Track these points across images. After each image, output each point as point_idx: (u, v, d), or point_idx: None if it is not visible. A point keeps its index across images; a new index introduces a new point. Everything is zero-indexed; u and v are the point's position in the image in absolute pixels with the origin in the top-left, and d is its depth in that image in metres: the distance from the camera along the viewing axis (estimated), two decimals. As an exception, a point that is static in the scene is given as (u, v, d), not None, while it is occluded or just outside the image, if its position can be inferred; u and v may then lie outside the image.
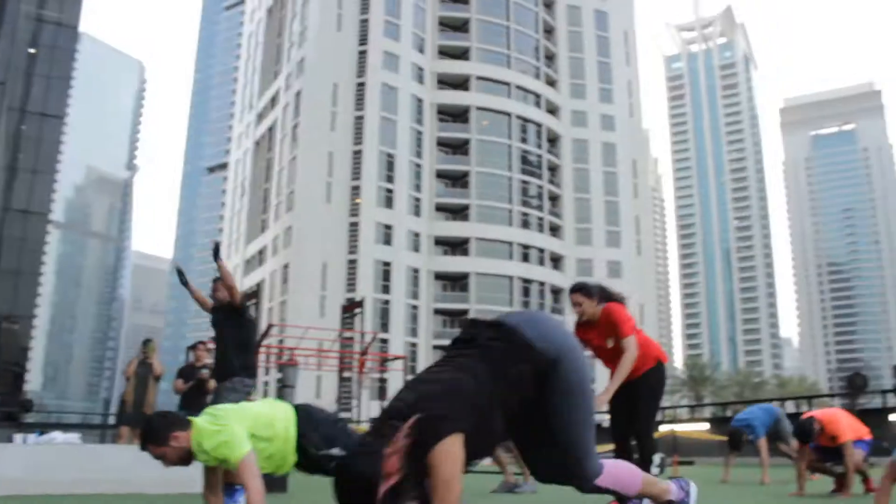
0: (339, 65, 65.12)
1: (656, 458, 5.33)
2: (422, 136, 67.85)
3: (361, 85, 65.39)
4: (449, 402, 2.35)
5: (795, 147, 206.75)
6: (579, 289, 5.20)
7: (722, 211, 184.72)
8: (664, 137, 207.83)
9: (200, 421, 3.79)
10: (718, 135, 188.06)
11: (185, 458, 3.73)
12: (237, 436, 3.71)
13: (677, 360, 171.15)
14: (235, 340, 6.50)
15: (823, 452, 6.79)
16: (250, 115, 79.94)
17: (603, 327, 5.19)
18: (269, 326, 26.69)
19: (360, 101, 65.08)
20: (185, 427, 3.72)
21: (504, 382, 2.50)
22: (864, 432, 6.89)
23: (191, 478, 4.78)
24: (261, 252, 70.37)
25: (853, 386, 12.66)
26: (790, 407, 23.54)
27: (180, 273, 6.89)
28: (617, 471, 2.84)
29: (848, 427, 6.63)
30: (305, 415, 4.10)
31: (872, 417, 13.45)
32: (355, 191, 63.26)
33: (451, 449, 2.26)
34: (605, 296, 5.24)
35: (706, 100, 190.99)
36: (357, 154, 63.91)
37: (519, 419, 2.61)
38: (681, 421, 21.06)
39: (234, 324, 6.54)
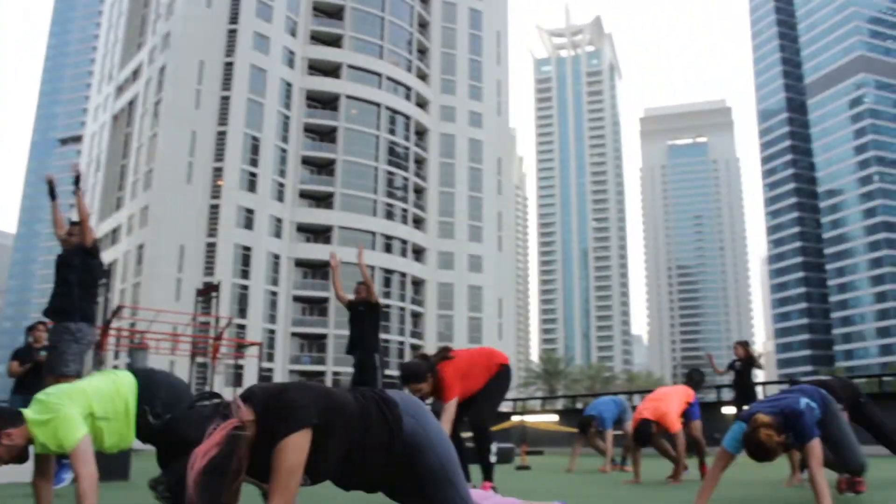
0: (207, 42, 63.20)
1: (493, 447, 5.66)
2: (289, 120, 66.80)
3: (229, 65, 63.68)
4: (313, 397, 2.44)
5: (652, 155, 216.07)
6: (410, 380, 5.19)
7: (581, 212, 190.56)
8: (530, 137, 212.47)
9: (30, 413, 3.51)
10: (582, 138, 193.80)
11: (21, 454, 3.46)
12: (69, 421, 3.48)
13: (533, 354, 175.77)
14: (80, 280, 6.19)
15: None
16: (109, 87, 76.39)
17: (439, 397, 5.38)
18: (119, 308, 25.74)
19: (227, 80, 63.37)
20: (17, 423, 3.43)
21: (374, 433, 2.56)
22: (690, 397, 7.62)
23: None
24: (114, 231, 67.47)
25: (691, 381, 13.46)
26: (637, 400, 24.76)
27: (51, 185, 6.55)
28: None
29: (675, 414, 7.28)
30: (146, 381, 3.89)
31: (708, 411, 14.51)
32: (217, 172, 61.59)
33: (300, 441, 2.34)
34: (434, 360, 5.34)
35: (572, 104, 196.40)
36: (221, 135, 62.25)
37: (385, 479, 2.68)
38: (532, 412, 21.75)
39: (82, 264, 6.23)
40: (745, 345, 10.74)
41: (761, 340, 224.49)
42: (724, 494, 5.15)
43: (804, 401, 4.46)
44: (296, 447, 2.33)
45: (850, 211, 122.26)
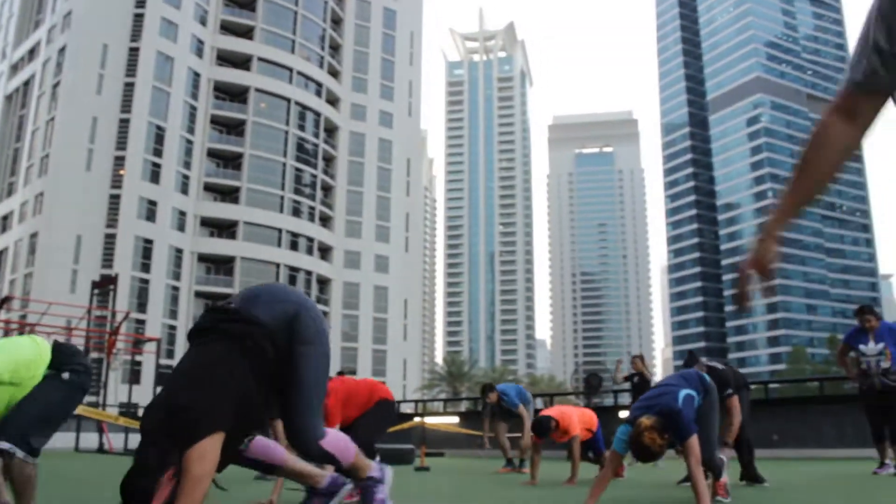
0: (112, 24, 61.05)
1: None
2: (196, 111, 65.14)
3: (135, 50, 61.64)
4: (208, 398, 2.41)
5: (560, 162, 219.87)
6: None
7: (489, 216, 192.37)
8: (440, 140, 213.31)
9: None
10: (491, 143, 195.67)
11: None
12: None
13: (438, 356, 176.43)
14: None
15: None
16: (2, 66, 72.98)
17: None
18: (7, 298, 24.50)
19: (131, 66, 61.33)
20: None
21: (254, 361, 2.62)
22: (593, 425, 7.72)
23: None
24: (5, 218, 64.45)
25: (589, 386, 13.88)
26: (538, 403, 25.08)
27: None
28: (337, 439, 3.04)
29: (578, 423, 7.42)
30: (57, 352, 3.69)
31: (605, 414, 14.76)
32: (119, 161, 59.54)
33: (206, 450, 2.32)
34: None
35: (483, 108, 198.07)
36: (124, 123, 60.19)
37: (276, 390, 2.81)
38: (435, 414, 21.79)
39: None
40: (641, 359, 11.20)
41: (660, 347, 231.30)
42: (613, 495, 5.22)
43: (683, 393, 4.60)
44: (202, 457, 2.33)
45: (746, 224, 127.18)
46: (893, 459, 7.39)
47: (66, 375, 3.59)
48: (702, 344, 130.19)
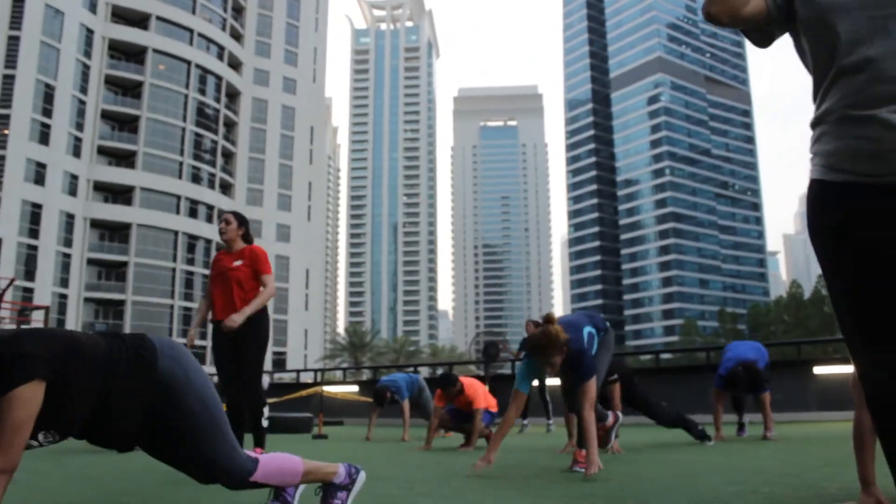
0: (-4, -24, 57.63)
1: (265, 410, 5.49)
2: (89, 70, 62.26)
3: (19, 1, 58.13)
4: (50, 345, 2.20)
5: (464, 135, 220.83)
6: (234, 213, 5.66)
7: (393, 187, 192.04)
8: (345, 108, 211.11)
9: None
10: (396, 113, 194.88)
11: None
12: None
13: (340, 326, 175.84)
14: None
15: (453, 415, 7.63)
16: None
17: (238, 257, 5.49)
18: None
19: (16, 18, 57.71)
20: None
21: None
22: (493, 404, 7.81)
23: None
24: None
25: (487, 355, 13.93)
26: (439, 371, 25.24)
27: None
28: (274, 463, 2.64)
29: (482, 397, 7.53)
30: None
31: (501, 382, 14.97)
32: (3, 120, 56.30)
33: (29, 394, 2.11)
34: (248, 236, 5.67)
35: (388, 78, 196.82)
36: (8, 79, 56.85)
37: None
38: (334, 383, 21.66)
39: None
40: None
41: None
42: (502, 461, 5.24)
43: (587, 330, 4.70)
44: (23, 401, 2.10)
45: (643, 200, 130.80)
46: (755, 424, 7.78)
47: None
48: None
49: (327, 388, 18.19)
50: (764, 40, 1.95)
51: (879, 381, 1.77)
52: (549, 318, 4.47)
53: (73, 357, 2.25)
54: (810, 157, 1.92)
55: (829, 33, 1.78)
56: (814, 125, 1.89)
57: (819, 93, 1.86)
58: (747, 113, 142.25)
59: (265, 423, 5.49)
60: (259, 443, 5.41)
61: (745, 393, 7.62)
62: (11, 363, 2.12)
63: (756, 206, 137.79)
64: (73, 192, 59.90)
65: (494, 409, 7.84)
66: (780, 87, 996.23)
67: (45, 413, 2.17)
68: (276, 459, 2.65)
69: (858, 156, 1.76)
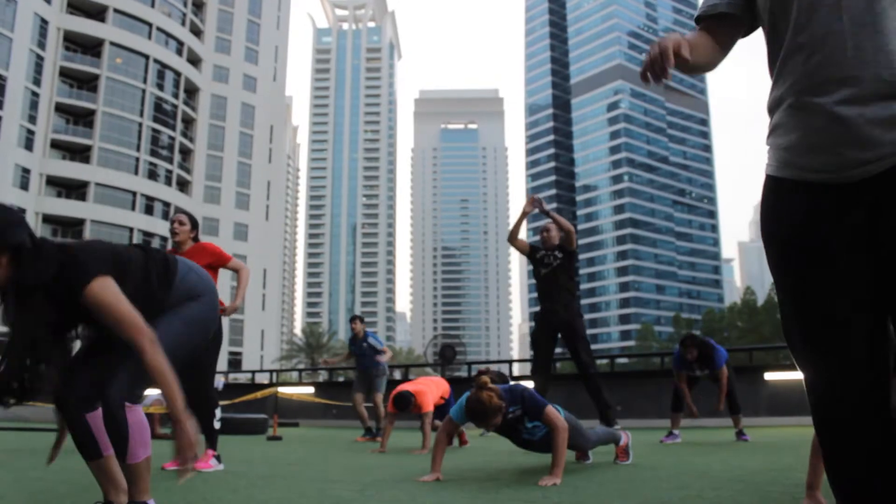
0: (-52, -36, 56.30)
1: (217, 411, 5.52)
2: (43, 62, 60.98)
3: (-27, -9, 56.84)
4: (100, 252, 2.49)
5: (425, 137, 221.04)
6: (186, 214, 5.73)
7: (352, 188, 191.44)
8: (305, 108, 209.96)
9: None
10: (357, 114, 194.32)
11: None
12: None
13: (297, 326, 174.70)
14: None
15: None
16: None
17: (191, 255, 5.44)
18: None
19: (-31, 9, 56.64)
20: None
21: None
22: (447, 392, 8.12)
23: None
24: None
25: (444, 357, 14.04)
26: (396, 375, 25.23)
27: None
28: (144, 428, 2.60)
29: (433, 397, 7.78)
30: None
31: (459, 385, 15.04)
32: (-46, 112, 55.14)
33: (105, 282, 2.38)
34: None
35: (350, 78, 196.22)
36: (-40, 70, 55.70)
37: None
38: (290, 384, 21.53)
39: None
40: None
41: (517, 322, 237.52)
42: (455, 464, 5.27)
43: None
44: (104, 287, 2.37)
45: (602, 206, 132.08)
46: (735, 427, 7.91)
47: None
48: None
49: (283, 390, 18.09)
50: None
51: (821, 394, 1.63)
52: (481, 384, 4.40)
53: (119, 262, 2.53)
54: (767, 149, 1.77)
55: (785, 6, 1.65)
56: (770, 111, 1.74)
57: (773, 73, 1.72)
58: (705, 122, 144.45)
59: (217, 425, 5.47)
60: (211, 444, 5.37)
61: (702, 369, 7.78)
62: (75, 267, 2.37)
63: (712, 214, 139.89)
64: (24, 186, 58.66)
65: (447, 396, 8.18)
66: (736, 96, 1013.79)
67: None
68: (145, 426, 2.62)
69: (812, 151, 1.61)
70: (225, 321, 5.59)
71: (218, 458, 5.34)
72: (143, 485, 2.59)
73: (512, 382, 4.89)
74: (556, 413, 4.49)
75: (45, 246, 2.41)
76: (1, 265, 2.32)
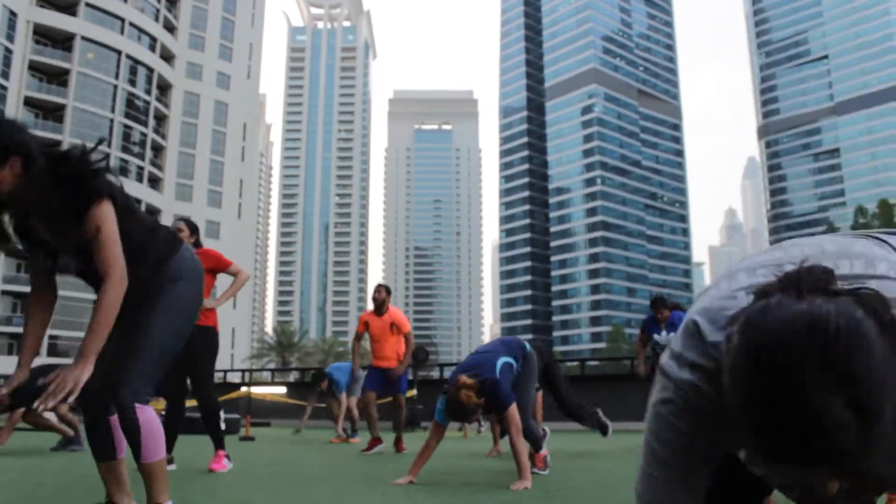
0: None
1: (221, 413, 5.63)
2: (11, 55, 59.98)
3: (-58, -17, 55.83)
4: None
5: (399, 137, 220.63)
6: (184, 219, 5.80)
7: (325, 187, 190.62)
8: (279, 106, 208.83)
9: None
10: (331, 113, 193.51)
11: None
12: None
13: (268, 325, 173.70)
14: None
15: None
16: None
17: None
18: None
19: (-62, 1, 55.68)
20: None
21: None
22: (401, 353, 8.42)
23: None
24: None
25: (416, 359, 14.10)
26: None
27: None
28: (156, 427, 2.55)
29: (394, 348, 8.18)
30: None
31: (429, 386, 15.19)
32: (-80, 104, 54.19)
33: (109, 209, 2.40)
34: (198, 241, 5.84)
35: (324, 77, 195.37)
36: (-73, 62, 54.74)
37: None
38: (262, 384, 21.47)
39: None
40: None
41: (489, 322, 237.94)
42: (430, 465, 5.34)
43: (501, 361, 4.77)
44: (107, 213, 2.39)
45: (574, 209, 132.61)
46: None
47: None
48: (528, 321, 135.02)
49: (255, 390, 18.08)
50: None
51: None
52: (459, 385, 4.44)
53: (129, 206, 2.56)
54: None
55: None
56: None
57: None
58: (677, 127, 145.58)
59: (223, 426, 5.59)
60: (219, 445, 5.46)
61: (668, 331, 7.90)
62: (87, 179, 2.40)
63: (683, 218, 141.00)
64: (-8, 180, 57.75)
65: (403, 352, 8.25)
66: (709, 102, 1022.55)
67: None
68: (159, 429, 2.56)
69: None
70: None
71: (228, 457, 5.47)
72: (162, 485, 2.58)
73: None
74: (516, 413, 4.57)
75: (66, 157, 2.49)
76: (13, 171, 2.34)
